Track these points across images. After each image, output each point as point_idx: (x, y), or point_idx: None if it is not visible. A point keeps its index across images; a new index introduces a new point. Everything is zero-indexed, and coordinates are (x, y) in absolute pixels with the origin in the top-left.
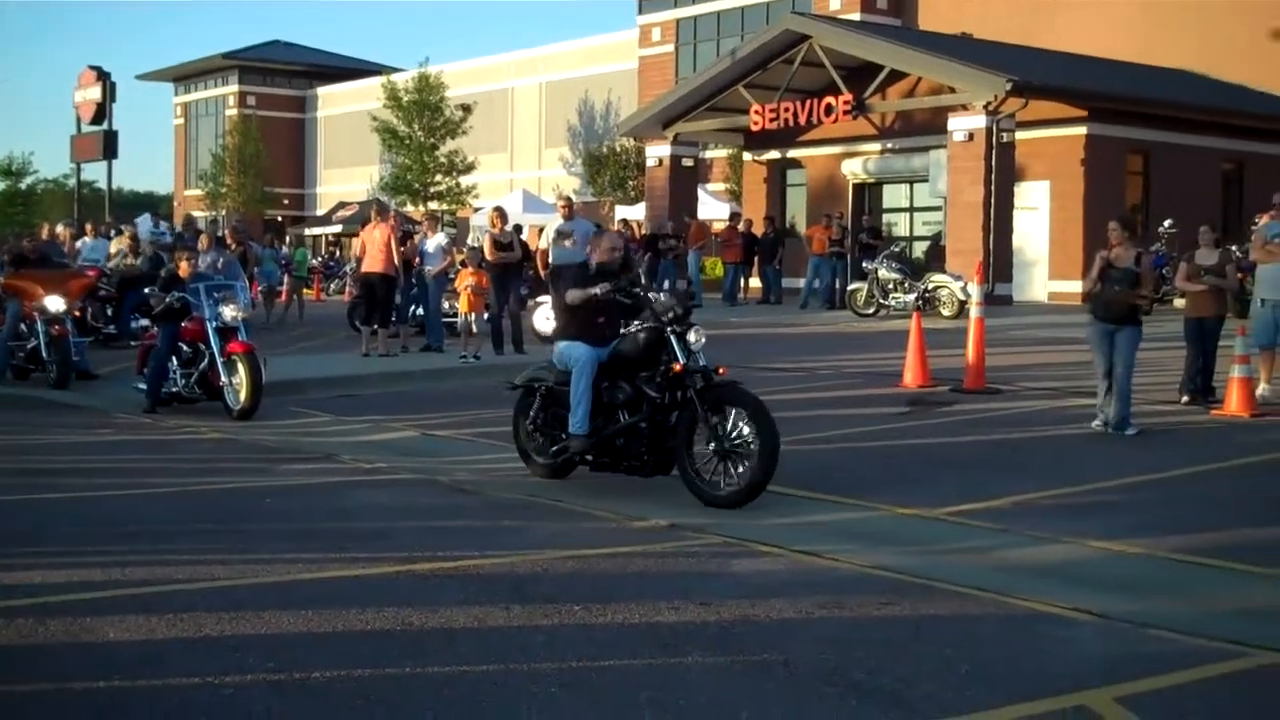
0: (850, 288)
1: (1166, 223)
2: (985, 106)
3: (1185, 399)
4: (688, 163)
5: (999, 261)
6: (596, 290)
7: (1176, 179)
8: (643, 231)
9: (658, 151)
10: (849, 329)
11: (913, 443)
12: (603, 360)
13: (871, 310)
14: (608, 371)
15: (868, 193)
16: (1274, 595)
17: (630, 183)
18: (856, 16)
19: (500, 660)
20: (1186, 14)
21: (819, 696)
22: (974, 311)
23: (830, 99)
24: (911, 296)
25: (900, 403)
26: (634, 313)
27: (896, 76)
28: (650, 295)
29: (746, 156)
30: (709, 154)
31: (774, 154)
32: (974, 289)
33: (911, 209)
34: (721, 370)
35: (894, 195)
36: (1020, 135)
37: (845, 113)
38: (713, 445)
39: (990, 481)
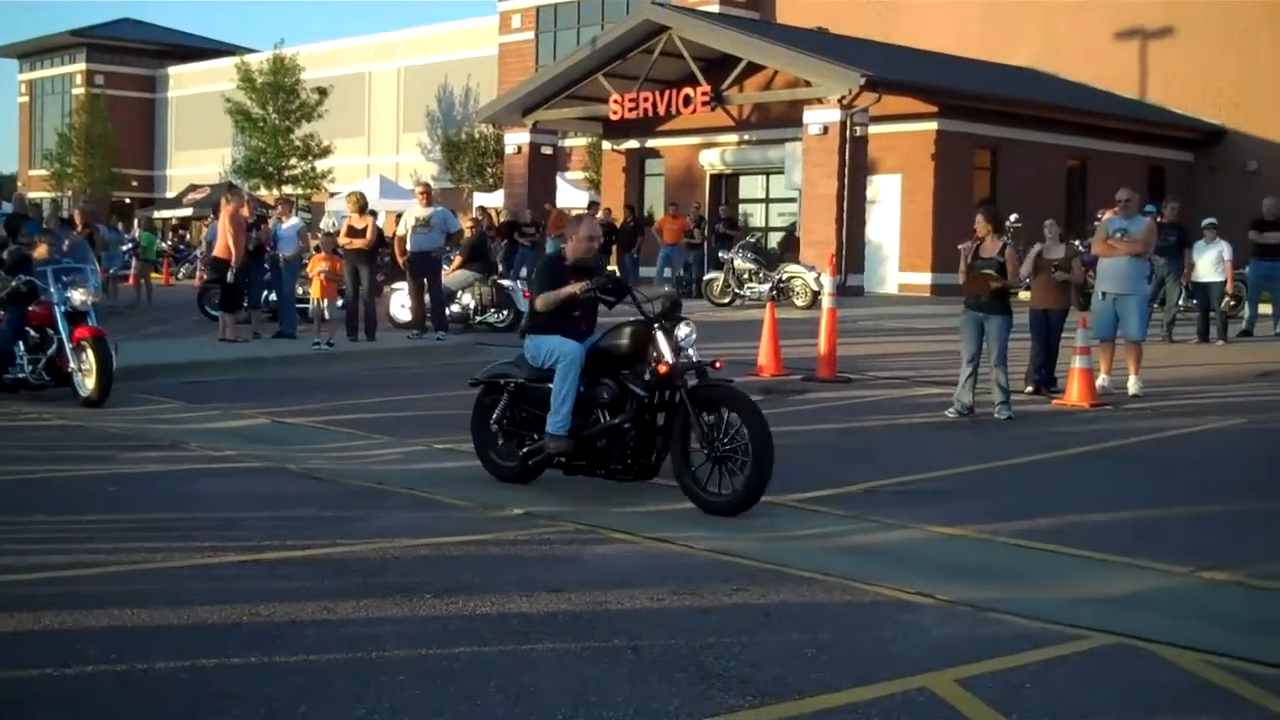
0: (706, 277)
1: (1013, 217)
2: (840, 101)
3: (1030, 389)
4: (547, 151)
5: (851, 253)
6: (575, 289)
7: (1023, 174)
8: (501, 219)
9: (517, 139)
10: (705, 318)
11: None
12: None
13: (727, 300)
14: (587, 368)
15: (725, 183)
16: (1109, 580)
17: (489, 170)
18: (715, 9)
19: (349, 649)
20: (1032, 14)
21: (668, 681)
22: (826, 302)
23: (689, 90)
24: (766, 287)
25: (754, 391)
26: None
27: (754, 69)
28: (635, 289)
29: (606, 145)
30: (568, 142)
31: (633, 143)
32: (826, 280)
33: (767, 200)
34: (718, 364)
35: (750, 186)
36: (873, 130)
37: (703, 104)
38: (705, 449)
39: (840, 469)
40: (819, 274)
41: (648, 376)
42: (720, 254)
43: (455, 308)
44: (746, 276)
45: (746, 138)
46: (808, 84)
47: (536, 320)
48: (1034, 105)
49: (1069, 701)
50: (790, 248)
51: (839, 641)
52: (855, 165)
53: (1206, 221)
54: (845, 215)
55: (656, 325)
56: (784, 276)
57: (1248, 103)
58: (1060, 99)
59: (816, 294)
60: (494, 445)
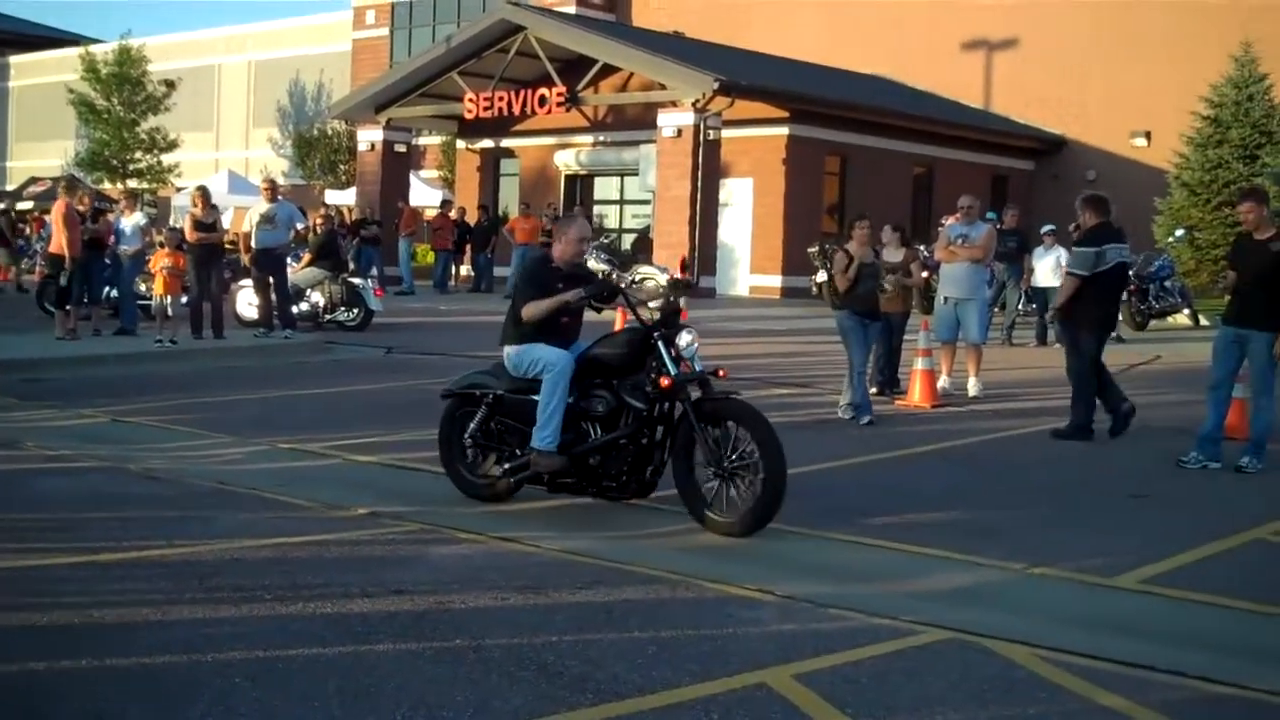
0: None
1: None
2: (694, 104)
3: (874, 390)
4: (400, 148)
5: (704, 255)
6: (568, 298)
7: (871, 180)
8: (353, 216)
9: (370, 136)
10: None
11: None
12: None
13: None
14: (578, 378)
15: (579, 184)
16: (944, 576)
17: (341, 167)
18: (572, 10)
19: (185, 652)
20: (882, 24)
21: (509, 680)
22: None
23: (544, 90)
24: None
25: None
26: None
27: (610, 71)
28: (631, 294)
29: (460, 144)
30: (422, 140)
31: (488, 143)
32: None
33: (622, 201)
34: (722, 373)
35: (605, 187)
36: (726, 133)
37: (559, 104)
38: (711, 466)
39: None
40: (671, 275)
41: (647, 388)
42: None
43: (305, 306)
44: (601, 277)
45: (601, 139)
46: (662, 87)
47: (520, 327)
48: (883, 113)
49: (903, 695)
50: (644, 249)
51: (681, 639)
52: (708, 168)
53: (1045, 228)
54: (698, 217)
55: (657, 335)
56: (637, 278)
57: (1086, 114)
58: (908, 107)
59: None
60: (466, 461)
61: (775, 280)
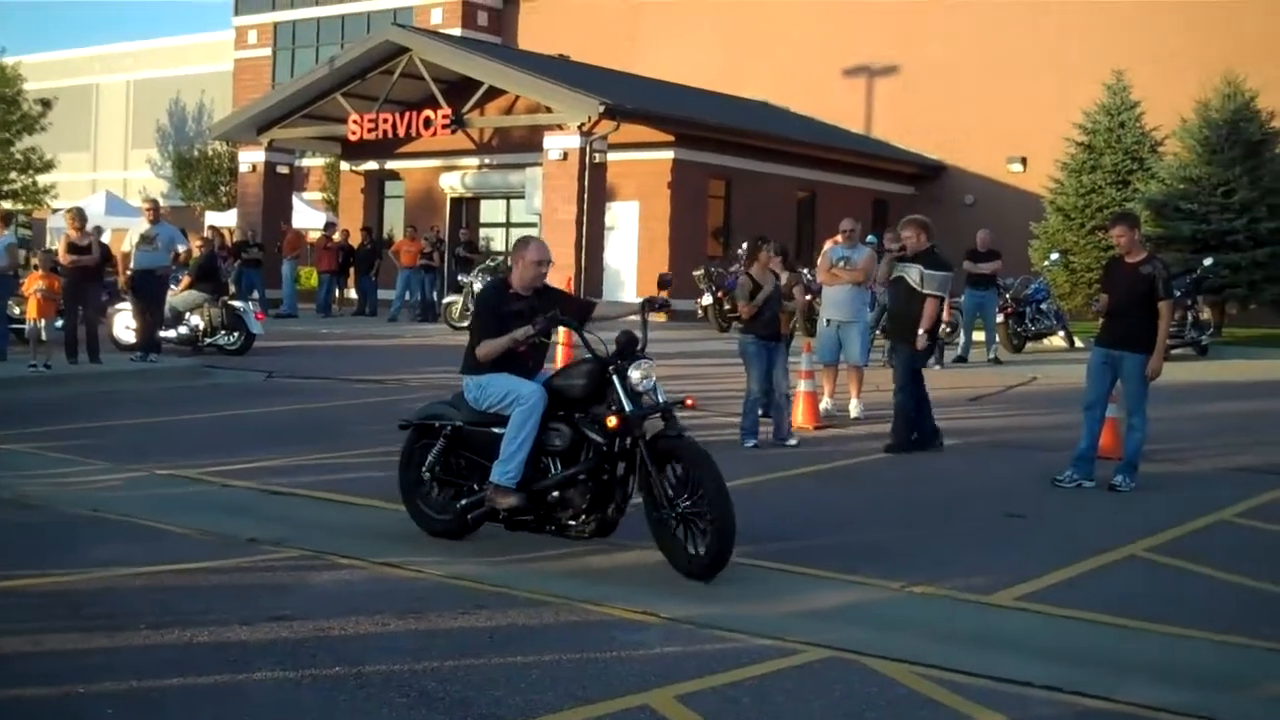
0: (446, 300)
1: (744, 245)
2: (580, 127)
3: (760, 413)
4: (283, 170)
5: (590, 278)
6: (518, 335)
7: (755, 204)
8: (234, 238)
9: (251, 157)
10: (443, 341)
11: None
12: None
13: (466, 323)
14: None
15: (465, 207)
16: (825, 595)
17: (222, 188)
18: (458, 32)
19: (55, 683)
20: (767, 49)
21: (388, 707)
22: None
23: (429, 112)
24: None
25: None
26: (583, 315)
27: (496, 93)
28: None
29: (344, 166)
30: (306, 162)
31: (372, 164)
32: None
33: (508, 224)
34: (689, 401)
35: (492, 210)
36: (612, 157)
37: (444, 127)
38: (665, 509)
39: None
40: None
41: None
42: (460, 277)
43: (184, 329)
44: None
45: (487, 161)
46: (548, 110)
47: (477, 358)
48: (767, 138)
49: (784, 715)
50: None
51: (563, 662)
52: (594, 191)
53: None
54: (584, 240)
55: (612, 368)
56: None
57: (965, 140)
58: (792, 132)
59: None
60: (425, 496)
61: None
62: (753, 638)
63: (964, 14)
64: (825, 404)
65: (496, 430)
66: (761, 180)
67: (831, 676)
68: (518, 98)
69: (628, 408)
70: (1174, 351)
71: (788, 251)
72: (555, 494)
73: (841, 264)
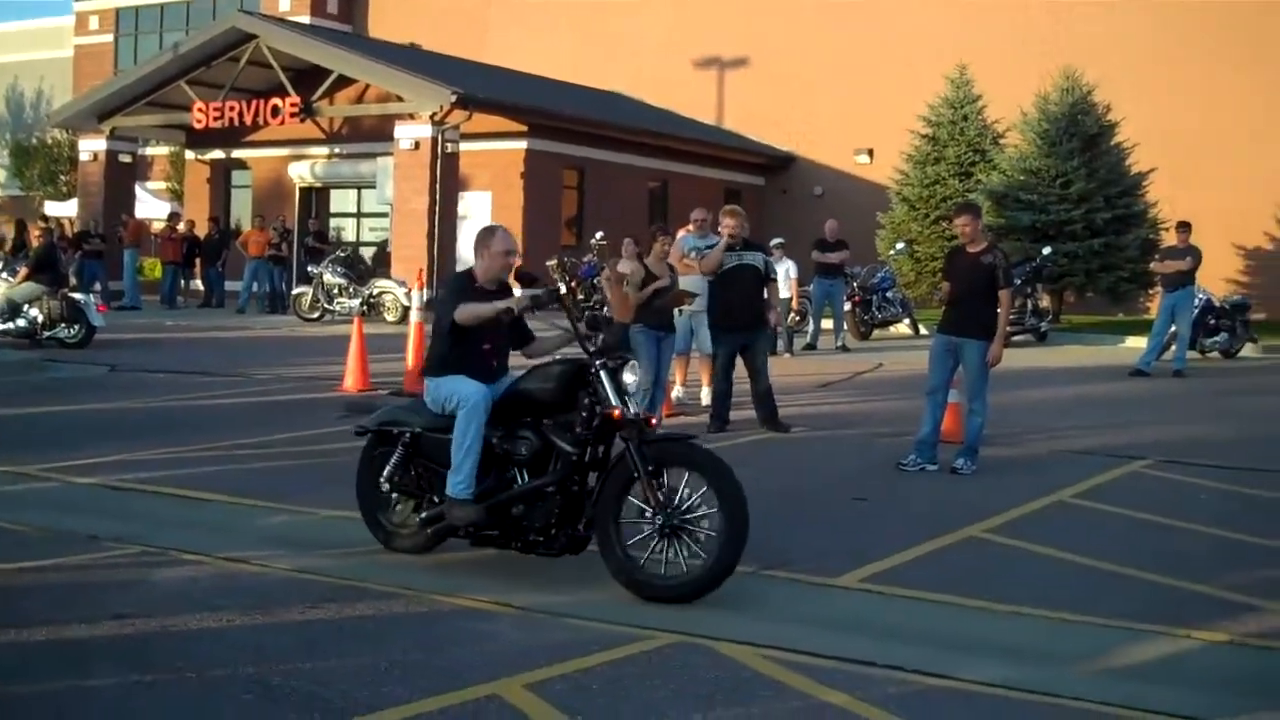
0: (295, 292)
1: (598, 235)
2: (431, 117)
3: None
4: (125, 159)
5: (442, 269)
6: (510, 304)
7: (609, 194)
8: (75, 229)
9: (92, 145)
10: (292, 333)
11: (347, 445)
12: (495, 400)
13: (316, 315)
14: (501, 416)
15: (315, 196)
16: None
17: (63, 177)
18: (306, 19)
19: None
20: (619, 41)
21: (232, 703)
22: (414, 316)
23: (277, 100)
24: (356, 302)
25: (338, 407)
26: (523, 339)
27: (346, 82)
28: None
29: (189, 155)
30: (149, 151)
31: (218, 153)
32: (415, 295)
33: (359, 214)
34: (652, 422)
35: (342, 200)
36: (465, 147)
37: (292, 115)
38: (659, 518)
39: None
40: (409, 289)
41: (579, 429)
42: (309, 268)
43: (21, 322)
44: (336, 291)
45: (338, 151)
46: (399, 99)
47: (439, 357)
48: (619, 128)
49: (633, 699)
50: (382, 262)
51: (414, 654)
52: (446, 181)
53: (775, 241)
54: (436, 231)
55: (599, 364)
56: (375, 291)
57: (814, 132)
58: (644, 123)
59: (407, 309)
60: (385, 509)
61: (515, 293)
62: (604, 625)
63: (813, 8)
64: (678, 392)
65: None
66: (614, 170)
67: (680, 661)
68: (368, 86)
69: (616, 403)
70: (1014, 338)
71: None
72: (519, 507)
73: (693, 254)
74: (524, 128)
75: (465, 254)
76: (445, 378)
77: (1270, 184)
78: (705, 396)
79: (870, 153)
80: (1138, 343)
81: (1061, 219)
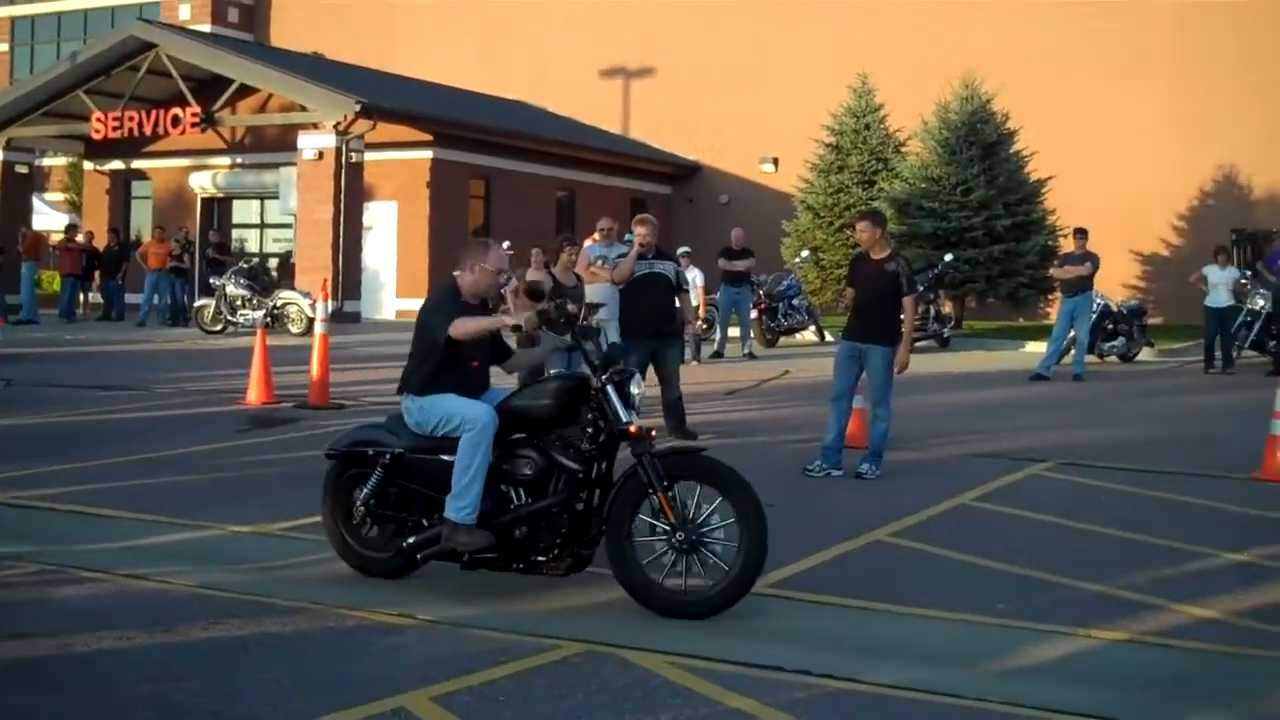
0: (197, 304)
1: (505, 244)
2: (335, 126)
3: None
4: (22, 170)
5: (348, 280)
6: (517, 320)
7: (515, 203)
8: None
9: None
10: (194, 346)
11: (250, 459)
12: None
13: (219, 327)
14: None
15: (217, 207)
16: (579, 592)
17: None
18: (207, 28)
19: None
20: (524, 49)
21: None
22: (318, 328)
23: (178, 110)
24: (260, 313)
25: (241, 420)
26: (503, 353)
27: (248, 91)
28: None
29: (88, 166)
30: (47, 161)
31: (118, 164)
32: (320, 306)
33: (263, 225)
34: (653, 434)
35: (245, 211)
36: (369, 156)
37: (193, 125)
38: (679, 534)
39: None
40: (314, 300)
41: (584, 445)
42: (211, 280)
43: None
44: (240, 303)
45: (240, 161)
46: (303, 108)
47: (428, 374)
48: (525, 137)
49: (541, 710)
50: (286, 274)
51: (319, 669)
52: (351, 191)
53: (681, 250)
54: (341, 241)
55: (605, 378)
56: (279, 303)
57: (719, 141)
58: (550, 132)
59: (312, 320)
60: (358, 533)
61: (421, 304)
62: (511, 635)
63: (717, 17)
64: None
65: (446, 458)
66: (521, 180)
67: (589, 670)
68: (271, 96)
69: (627, 418)
70: (918, 344)
71: (543, 251)
72: (523, 529)
73: (600, 263)
74: (429, 137)
75: (371, 264)
76: (436, 397)
77: (1166, 190)
78: None
79: (775, 161)
80: (1038, 348)
81: (962, 226)
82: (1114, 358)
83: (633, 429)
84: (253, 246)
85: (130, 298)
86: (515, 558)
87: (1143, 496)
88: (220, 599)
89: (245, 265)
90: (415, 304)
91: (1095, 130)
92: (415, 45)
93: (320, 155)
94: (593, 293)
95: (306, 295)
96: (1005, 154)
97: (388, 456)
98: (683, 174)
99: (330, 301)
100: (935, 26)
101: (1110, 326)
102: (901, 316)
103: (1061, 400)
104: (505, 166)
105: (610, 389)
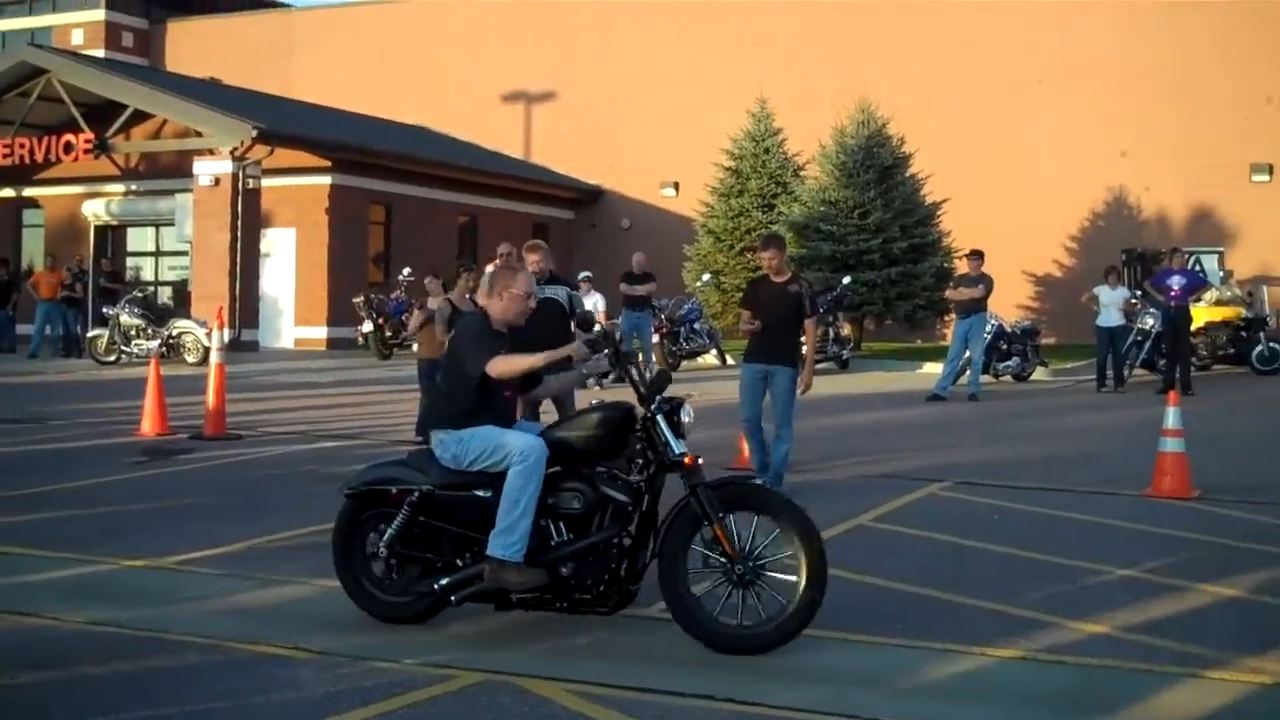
0: (90, 334)
1: (405, 270)
2: (232, 152)
3: (419, 439)
4: None
5: (245, 308)
6: (569, 351)
7: (416, 229)
8: None
9: None
10: (88, 377)
11: (145, 492)
12: None
13: (113, 358)
14: None
15: (111, 235)
16: (475, 620)
17: None
18: (101, 53)
19: None
20: (423, 74)
21: None
22: (214, 357)
23: (70, 136)
24: (156, 343)
25: (135, 452)
26: (532, 381)
27: (143, 117)
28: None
29: None
30: None
31: (9, 192)
32: (215, 335)
33: (158, 253)
34: (700, 462)
35: (139, 238)
36: (267, 182)
37: (86, 151)
38: (738, 568)
39: (224, 527)
40: (210, 329)
41: (634, 477)
42: (104, 310)
43: None
44: (134, 333)
45: (135, 188)
46: (199, 134)
47: (467, 408)
48: (426, 163)
49: None
50: (182, 302)
51: (212, 705)
52: (248, 218)
53: (582, 275)
54: (238, 269)
55: (654, 408)
56: (174, 332)
57: (621, 166)
58: (451, 158)
59: (208, 350)
60: (375, 576)
61: (321, 332)
62: (408, 666)
63: (618, 43)
64: None
65: (481, 493)
66: (422, 205)
67: (486, 700)
68: (166, 122)
69: (680, 449)
70: (817, 366)
71: (436, 278)
72: (569, 566)
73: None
74: (328, 163)
75: (269, 291)
76: (477, 429)
77: (1058, 212)
78: None
79: (676, 186)
80: (934, 368)
81: (860, 249)
82: (1008, 377)
83: (686, 461)
84: (148, 275)
85: (22, 328)
86: (561, 596)
87: (1037, 514)
88: (110, 635)
89: (140, 294)
90: (315, 332)
91: (988, 153)
92: (315, 70)
93: (216, 181)
94: None
95: (202, 324)
96: (901, 177)
97: (415, 494)
98: (585, 199)
99: (227, 330)
100: (832, 52)
101: (1004, 347)
102: (803, 339)
103: (958, 420)
104: (406, 192)
105: (660, 418)
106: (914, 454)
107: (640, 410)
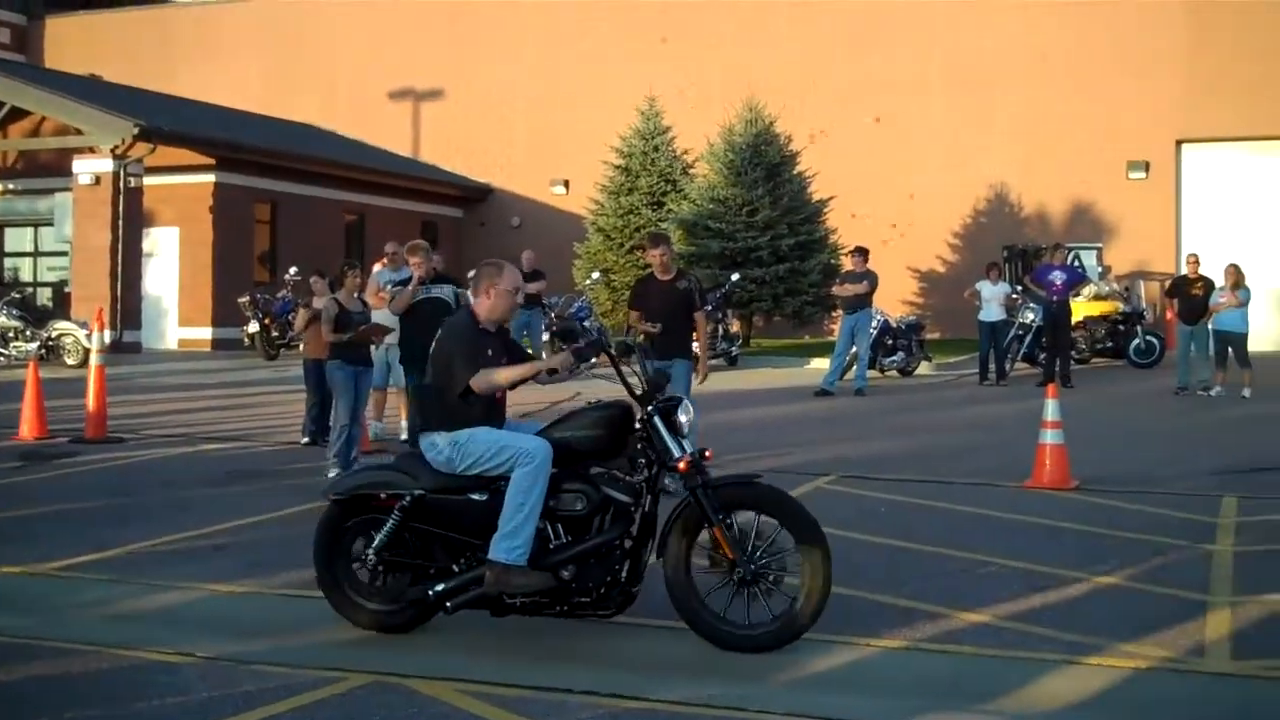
0: None
1: (292, 270)
2: (113, 150)
3: (305, 440)
4: None
5: (127, 308)
6: (555, 362)
7: (303, 228)
8: None
9: None
10: None
11: (23, 497)
12: None
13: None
14: None
15: None
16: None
17: None
18: None
19: None
20: (311, 72)
21: None
22: (94, 359)
23: None
24: (34, 345)
25: (13, 456)
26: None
27: (20, 115)
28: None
29: None
30: None
31: None
32: (95, 336)
33: (37, 253)
34: (709, 454)
35: (17, 239)
36: (150, 181)
37: None
38: (740, 568)
39: (105, 532)
40: (91, 330)
41: (634, 478)
42: None
43: None
44: (12, 335)
45: (12, 186)
46: (78, 132)
47: (449, 406)
48: (312, 160)
49: None
50: (62, 303)
51: (94, 713)
52: (130, 217)
53: (472, 273)
54: (120, 269)
55: (651, 408)
56: (54, 334)
57: (510, 164)
58: (338, 155)
59: (89, 351)
60: (360, 583)
61: (205, 333)
62: (294, 669)
63: (507, 40)
64: (375, 427)
65: (475, 497)
66: (309, 204)
67: (375, 701)
68: (45, 119)
69: (679, 451)
70: (709, 362)
71: (325, 274)
72: (570, 569)
73: (388, 288)
74: (212, 160)
75: (152, 291)
76: (475, 431)
77: (941, 209)
78: (405, 431)
79: (566, 183)
80: (822, 364)
81: (749, 246)
82: (894, 372)
83: (683, 465)
84: (26, 275)
85: None
86: (559, 600)
87: (920, 506)
88: None
89: (18, 295)
90: (199, 332)
91: (873, 151)
92: (199, 67)
93: (97, 180)
94: (380, 319)
95: (83, 325)
96: (788, 175)
97: (407, 499)
98: (474, 196)
99: (108, 331)
100: (720, 50)
101: (890, 342)
102: (695, 333)
103: (844, 414)
104: (292, 190)
105: (657, 420)
106: (801, 449)
107: (639, 412)
